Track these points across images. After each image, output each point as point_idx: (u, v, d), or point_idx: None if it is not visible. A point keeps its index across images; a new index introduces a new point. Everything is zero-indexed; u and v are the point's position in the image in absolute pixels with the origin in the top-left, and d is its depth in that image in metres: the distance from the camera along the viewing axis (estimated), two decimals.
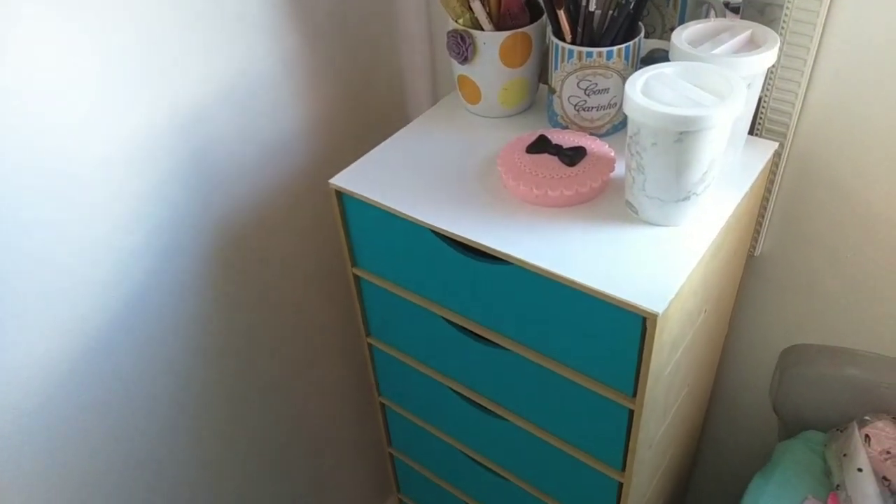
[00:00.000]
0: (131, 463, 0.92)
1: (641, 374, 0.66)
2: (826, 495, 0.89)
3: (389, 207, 0.75)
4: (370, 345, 0.97)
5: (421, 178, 0.78)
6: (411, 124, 0.87)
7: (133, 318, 0.84)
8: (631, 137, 0.64)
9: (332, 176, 0.79)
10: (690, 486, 1.29)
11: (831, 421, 0.97)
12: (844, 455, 0.88)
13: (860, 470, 0.85)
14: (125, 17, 0.70)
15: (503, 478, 0.93)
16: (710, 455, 1.21)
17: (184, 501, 1.04)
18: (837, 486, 0.88)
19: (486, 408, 0.87)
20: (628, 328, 0.64)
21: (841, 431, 0.93)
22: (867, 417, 0.89)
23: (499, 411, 0.85)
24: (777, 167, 0.83)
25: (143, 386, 0.89)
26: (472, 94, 0.84)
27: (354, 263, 0.87)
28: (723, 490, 1.24)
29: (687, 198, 0.65)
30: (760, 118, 0.80)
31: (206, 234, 0.88)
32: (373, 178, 0.79)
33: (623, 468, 0.76)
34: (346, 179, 0.79)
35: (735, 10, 0.79)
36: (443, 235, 0.73)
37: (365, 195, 0.76)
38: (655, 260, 0.65)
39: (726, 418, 1.14)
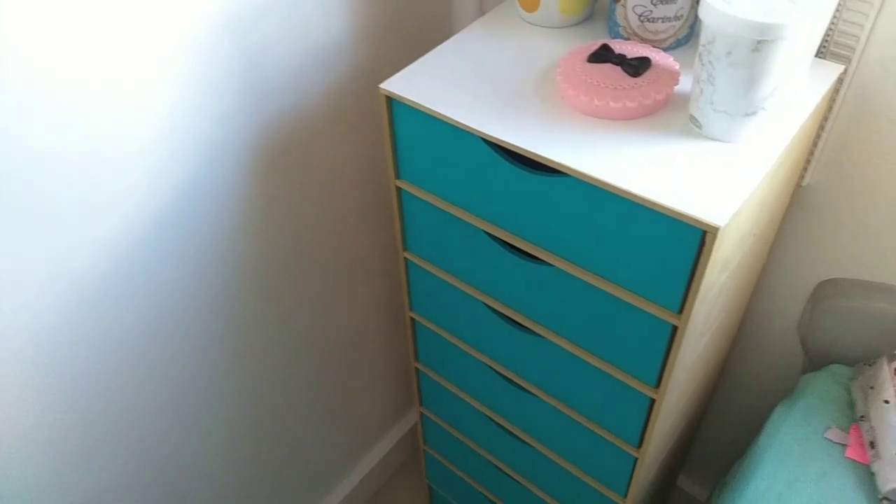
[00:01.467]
0: (170, 377, 0.94)
1: (691, 291, 0.66)
2: (849, 426, 0.91)
3: (441, 114, 0.73)
4: (406, 259, 0.97)
5: (474, 87, 0.76)
6: (463, 32, 0.85)
7: (175, 227, 0.83)
8: (703, 46, 0.62)
9: (376, 84, 0.77)
10: (712, 411, 1.32)
11: (858, 356, 0.98)
12: (871, 388, 0.90)
13: (886, 402, 0.86)
14: None
15: (530, 392, 0.95)
16: (735, 382, 1.23)
17: (222, 411, 1.06)
18: (861, 417, 0.89)
19: (520, 324, 0.87)
20: (685, 243, 0.63)
21: (869, 366, 0.94)
22: None
23: (534, 327, 0.85)
24: (837, 94, 0.81)
25: (184, 297, 0.90)
26: (530, 0, 0.81)
27: (398, 175, 0.86)
28: (744, 418, 1.27)
29: (755, 112, 0.64)
30: (827, 40, 0.78)
31: (249, 142, 0.87)
32: (425, 85, 0.77)
33: (657, 385, 0.77)
34: (398, 85, 0.77)
35: None
36: (495, 145, 0.72)
37: (417, 101, 0.75)
38: (718, 175, 0.64)
39: (751, 348, 1.15)
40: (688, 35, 0.78)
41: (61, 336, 0.78)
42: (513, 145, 0.69)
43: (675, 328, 0.70)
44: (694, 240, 0.62)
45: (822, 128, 0.84)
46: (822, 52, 0.79)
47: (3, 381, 0.75)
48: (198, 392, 1.02)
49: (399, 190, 0.88)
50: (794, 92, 0.73)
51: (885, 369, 0.89)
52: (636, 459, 0.88)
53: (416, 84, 0.77)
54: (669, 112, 0.71)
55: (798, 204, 0.93)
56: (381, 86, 0.77)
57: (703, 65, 0.64)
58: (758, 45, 0.59)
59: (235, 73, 0.80)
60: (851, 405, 0.93)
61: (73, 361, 0.81)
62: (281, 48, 0.84)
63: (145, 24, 0.69)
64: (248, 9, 0.78)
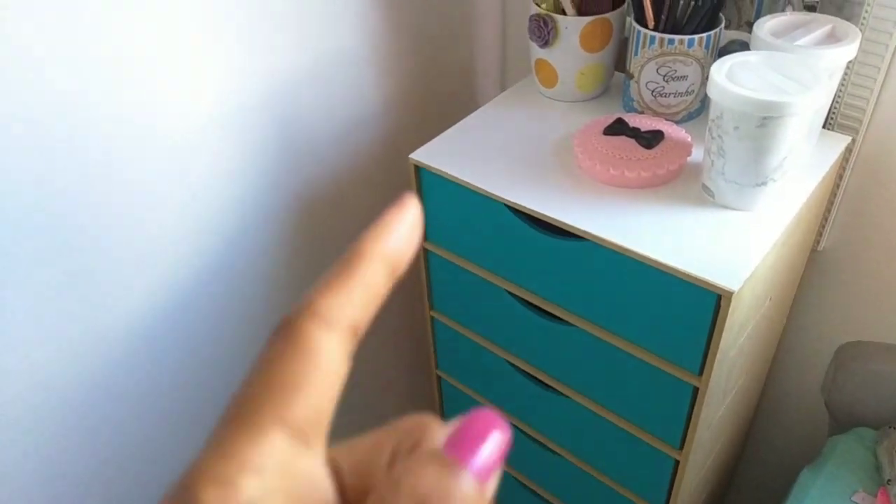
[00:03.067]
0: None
1: (710, 352, 0.68)
2: (876, 490, 0.90)
3: (467, 182, 0.78)
4: (432, 318, 1.00)
5: (497, 157, 0.81)
6: (486, 106, 0.90)
7: (215, 277, 0.88)
8: (713, 121, 0.67)
9: (402, 153, 0.82)
10: (737, 476, 1.30)
11: (884, 419, 0.98)
12: None
13: None
14: None
15: (559, 455, 0.96)
16: (759, 446, 1.22)
17: None
18: (889, 480, 0.89)
19: (546, 384, 0.89)
20: (701, 306, 0.66)
21: (894, 429, 0.93)
22: None
23: (559, 388, 0.87)
24: (847, 162, 0.84)
25: (214, 349, 0.94)
26: (548, 77, 0.87)
27: (426, 238, 0.91)
28: (769, 482, 1.25)
29: (764, 183, 0.67)
30: (834, 112, 0.82)
31: (288, 203, 0.92)
32: (451, 155, 0.82)
33: (681, 447, 0.78)
34: (426, 155, 0.82)
35: (811, 7, 0.80)
36: (517, 211, 0.76)
37: (444, 170, 0.80)
38: (730, 242, 0.67)
39: (778, 411, 1.15)
40: (700, 108, 0.82)
41: (97, 397, 0.82)
42: (535, 212, 0.73)
43: (696, 389, 0.72)
44: (710, 303, 0.65)
45: (834, 195, 0.87)
46: (830, 124, 0.82)
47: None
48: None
49: (426, 251, 0.92)
50: (804, 162, 0.76)
51: None
52: None
53: (443, 154, 0.82)
54: (683, 182, 0.75)
55: (815, 268, 0.95)
56: (411, 156, 0.82)
57: (713, 138, 0.68)
58: (763, 120, 0.63)
59: (272, 142, 0.86)
60: (878, 468, 0.92)
61: (108, 430, 0.85)
62: (314, 119, 0.90)
63: (199, 94, 0.76)
64: (285, 83, 0.84)
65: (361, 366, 1.21)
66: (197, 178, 0.80)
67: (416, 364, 1.36)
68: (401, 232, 0.20)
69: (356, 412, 1.27)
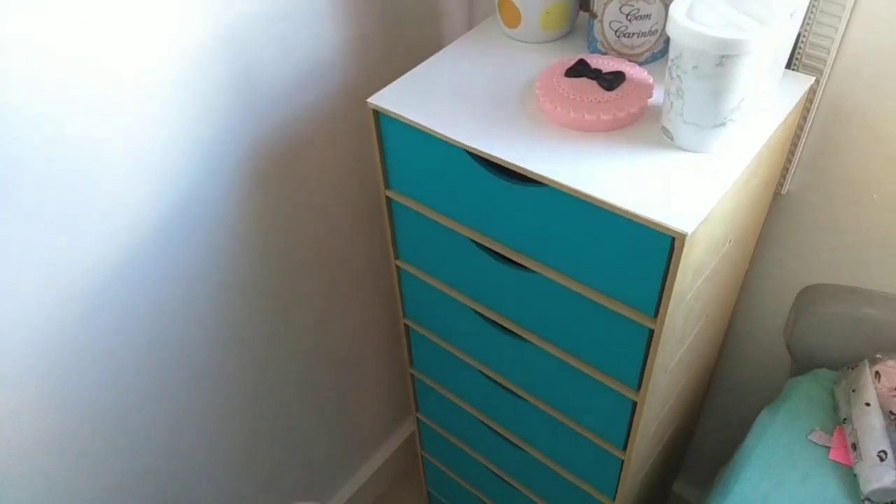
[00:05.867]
0: (168, 385, 0.97)
1: (664, 296, 0.69)
2: (833, 429, 0.92)
3: (426, 127, 0.76)
4: (398, 267, 1.00)
5: (458, 100, 0.79)
6: (449, 47, 0.88)
7: (171, 234, 0.87)
8: (672, 61, 0.65)
9: (365, 98, 0.80)
10: (700, 417, 1.33)
11: (843, 360, 1.00)
12: (853, 391, 0.91)
13: (868, 404, 0.88)
14: None
15: (520, 396, 0.97)
16: (722, 389, 1.25)
17: (219, 420, 1.10)
18: (844, 419, 0.91)
19: (507, 329, 0.90)
20: (656, 249, 0.66)
21: (851, 369, 0.95)
22: (878, 356, 0.92)
23: (520, 332, 0.88)
24: (811, 103, 0.83)
25: (181, 306, 0.93)
26: (512, 17, 0.85)
27: (388, 185, 0.89)
28: (733, 423, 1.28)
29: (723, 124, 0.67)
30: (798, 52, 0.80)
31: (244, 155, 0.90)
32: (411, 99, 0.80)
33: (639, 388, 0.80)
34: (385, 99, 0.80)
35: None
36: (477, 157, 0.75)
37: (403, 115, 0.78)
38: (688, 184, 0.67)
39: (739, 354, 1.17)
40: (663, 49, 0.81)
41: (62, 340, 0.81)
42: (493, 156, 0.72)
43: (651, 331, 0.73)
44: (664, 246, 0.65)
45: (797, 136, 0.87)
46: (794, 65, 0.81)
47: (4, 384, 0.78)
48: (195, 401, 1.05)
49: (389, 200, 0.91)
50: (766, 103, 0.76)
51: (867, 372, 0.91)
52: (622, 461, 0.90)
53: (403, 98, 0.80)
54: (643, 124, 0.74)
55: (778, 212, 0.96)
56: (369, 100, 0.80)
57: (672, 78, 0.66)
58: (721, 59, 0.61)
59: (227, 89, 0.84)
60: (835, 408, 0.95)
61: (74, 367, 0.84)
62: (271, 64, 0.88)
63: (142, 42, 0.73)
64: (238, 27, 0.81)
65: (331, 316, 1.21)
66: (148, 128, 0.78)
67: (385, 313, 1.37)
68: None
69: (330, 362, 1.28)
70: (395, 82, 0.83)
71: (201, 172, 0.86)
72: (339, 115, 1.02)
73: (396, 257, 0.99)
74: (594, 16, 0.79)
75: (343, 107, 1.01)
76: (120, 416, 0.93)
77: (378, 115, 0.82)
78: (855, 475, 0.86)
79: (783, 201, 0.95)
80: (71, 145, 0.72)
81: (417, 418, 1.27)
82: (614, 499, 0.96)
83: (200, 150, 0.85)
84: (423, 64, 0.85)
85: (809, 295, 1.00)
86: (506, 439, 1.08)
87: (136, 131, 0.77)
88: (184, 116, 0.81)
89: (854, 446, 0.88)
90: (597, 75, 0.74)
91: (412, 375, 1.18)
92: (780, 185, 0.92)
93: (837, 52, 0.79)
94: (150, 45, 0.74)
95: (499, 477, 1.18)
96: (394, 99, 0.80)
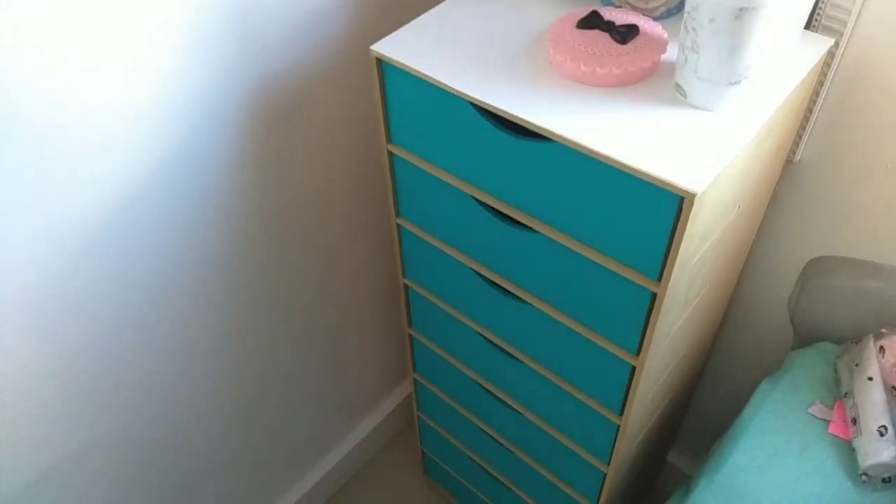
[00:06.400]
0: (163, 338, 0.96)
1: (669, 259, 0.67)
2: (833, 403, 0.91)
3: (430, 77, 0.74)
4: (399, 225, 0.98)
5: (465, 51, 0.77)
6: None
7: (165, 184, 0.85)
8: (688, 13, 0.63)
9: (368, 46, 0.77)
10: (698, 389, 1.33)
11: (847, 334, 0.98)
12: (857, 365, 0.90)
13: (870, 379, 0.87)
14: None
15: (518, 359, 0.96)
16: (722, 360, 1.24)
17: (217, 376, 1.09)
18: (845, 393, 0.90)
19: (508, 291, 0.88)
20: (663, 210, 0.64)
21: (856, 343, 0.94)
22: (884, 330, 0.91)
23: (520, 294, 0.86)
24: (829, 67, 0.81)
25: (175, 256, 0.92)
26: None
27: (390, 140, 0.87)
28: (730, 394, 1.28)
29: (738, 81, 0.64)
30: (818, 13, 0.77)
31: (242, 102, 0.88)
32: (415, 48, 0.77)
33: (638, 353, 0.78)
34: (388, 47, 0.78)
35: None
36: (482, 109, 0.73)
37: (406, 64, 0.76)
38: (699, 144, 0.65)
39: (741, 324, 1.15)
40: (679, 5, 0.78)
41: (56, 290, 0.80)
42: (497, 108, 0.70)
43: (654, 295, 0.71)
44: (672, 207, 0.63)
45: (813, 102, 0.84)
46: (813, 26, 0.78)
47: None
48: (190, 360, 1.04)
49: (391, 155, 0.89)
50: (782, 64, 0.73)
51: (871, 347, 0.89)
52: (618, 427, 0.89)
53: (407, 46, 0.78)
54: (656, 80, 0.72)
55: (789, 180, 0.93)
56: (372, 47, 0.78)
57: (687, 32, 0.64)
58: (740, 12, 0.59)
59: (226, 36, 0.81)
60: (837, 382, 0.93)
61: (65, 319, 0.83)
62: (271, 10, 0.85)
63: None
64: None
65: (330, 275, 1.20)
66: (142, 70, 0.75)
67: (384, 273, 1.35)
68: None
69: (328, 322, 1.27)
70: (398, 30, 0.80)
71: (200, 118, 0.84)
72: (341, 65, 0.99)
73: (397, 215, 0.97)
74: None
75: (345, 55, 0.98)
76: (107, 371, 0.93)
77: (381, 63, 0.79)
78: (853, 449, 0.85)
79: (795, 170, 0.92)
80: (62, 88, 0.70)
81: (415, 379, 1.27)
82: (608, 463, 0.96)
83: (198, 94, 0.82)
84: (430, 11, 0.82)
85: (816, 267, 0.98)
86: (502, 401, 1.07)
87: (130, 74, 0.75)
88: (182, 61, 0.78)
89: (854, 420, 0.87)
90: (609, 27, 0.71)
91: (410, 336, 1.17)
92: (793, 152, 0.90)
93: (859, 14, 0.76)
94: None
95: (494, 439, 1.18)
96: (398, 47, 0.78)
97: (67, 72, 0.69)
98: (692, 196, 0.60)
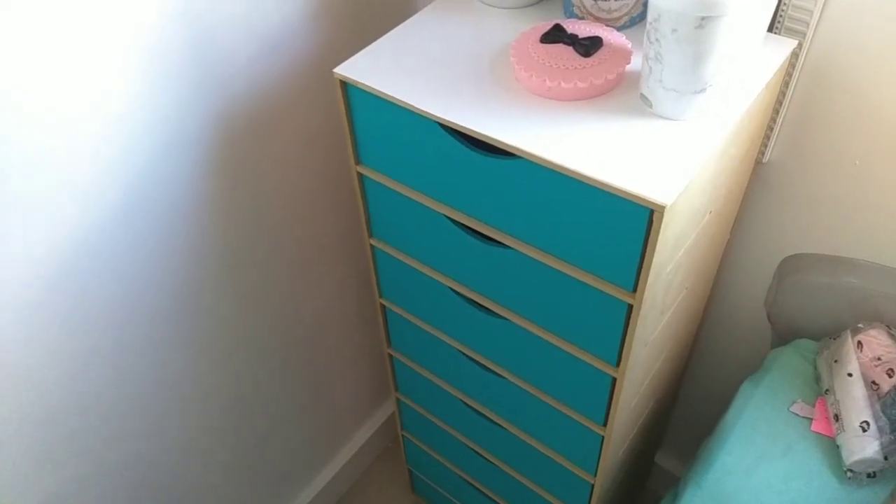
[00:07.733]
0: (137, 370, 0.94)
1: (643, 269, 0.66)
2: (815, 400, 0.91)
3: (396, 99, 0.73)
4: (372, 246, 0.97)
5: (430, 69, 0.76)
6: (420, 13, 0.84)
7: (131, 216, 0.83)
8: (650, 24, 0.62)
9: (332, 68, 0.76)
10: (681, 389, 1.33)
11: (824, 330, 0.99)
12: (835, 361, 0.90)
13: (850, 375, 0.87)
14: None
15: (499, 375, 0.95)
16: (703, 360, 1.24)
17: (197, 404, 1.07)
18: (826, 390, 0.90)
19: (485, 307, 0.88)
20: (634, 222, 0.63)
21: (834, 339, 0.94)
22: (860, 325, 0.91)
23: (497, 310, 0.86)
24: (793, 68, 0.81)
25: (146, 289, 0.90)
26: None
27: (359, 161, 0.86)
28: (713, 393, 1.28)
29: (703, 90, 0.64)
30: (781, 15, 0.78)
31: (206, 129, 0.86)
32: (380, 69, 0.76)
33: (618, 364, 0.78)
34: (352, 69, 0.77)
35: None
36: (450, 129, 0.72)
37: (371, 85, 0.74)
38: (666, 154, 0.64)
39: (720, 325, 1.16)
40: (642, 13, 0.78)
41: (18, 333, 0.78)
42: (464, 127, 0.69)
43: (630, 306, 0.71)
44: (643, 219, 0.63)
45: (779, 103, 0.84)
46: (776, 29, 0.78)
47: None
48: (168, 386, 1.02)
49: (361, 176, 0.88)
50: (747, 68, 0.73)
51: (849, 343, 0.90)
52: (603, 438, 0.89)
53: (371, 68, 0.77)
54: (622, 91, 0.71)
55: (759, 180, 0.94)
56: (336, 70, 0.77)
57: (650, 43, 0.64)
58: (702, 21, 0.59)
59: (188, 61, 0.80)
60: (817, 379, 0.94)
61: (33, 356, 0.81)
62: (234, 34, 0.83)
63: (94, 11, 0.68)
64: None
65: (306, 298, 1.18)
66: (106, 107, 0.73)
67: (361, 293, 1.34)
68: None
69: (306, 344, 1.25)
70: (362, 51, 0.79)
71: (160, 151, 0.82)
72: (306, 87, 0.97)
73: (370, 236, 0.96)
74: None
75: (313, 76, 0.97)
76: (83, 405, 0.90)
77: (346, 86, 0.78)
78: (838, 446, 0.85)
79: (764, 170, 0.92)
80: (19, 119, 0.67)
81: (397, 398, 1.25)
82: (595, 474, 0.95)
83: (158, 126, 0.80)
84: (392, 32, 0.81)
85: (791, 264, 0.99)
86: (486, 417, 1.06)
87: (88, 108, 0.73)
88: (140, 91, 0.76)
89: (836, 417, 0.87)
90: (573, 41, 0.71)
91: (390, 356, 1.16)
92: (762, 153, 0.90)
93: (821, 14, 0.76)
94: (98, 12, 0.69)
95: (480, 455, 1.17)
96: (362, 69, 0.77)
97: (23, 95, 0.67)
98: (662, 208, 0.60)
